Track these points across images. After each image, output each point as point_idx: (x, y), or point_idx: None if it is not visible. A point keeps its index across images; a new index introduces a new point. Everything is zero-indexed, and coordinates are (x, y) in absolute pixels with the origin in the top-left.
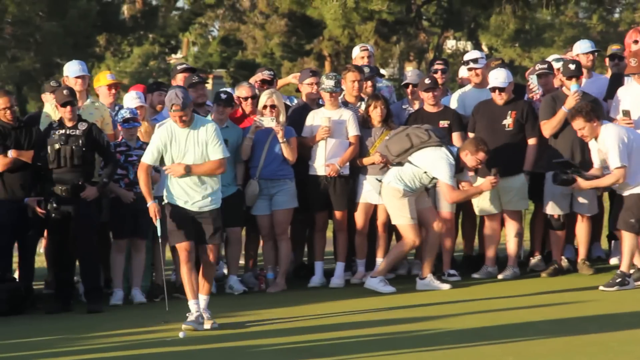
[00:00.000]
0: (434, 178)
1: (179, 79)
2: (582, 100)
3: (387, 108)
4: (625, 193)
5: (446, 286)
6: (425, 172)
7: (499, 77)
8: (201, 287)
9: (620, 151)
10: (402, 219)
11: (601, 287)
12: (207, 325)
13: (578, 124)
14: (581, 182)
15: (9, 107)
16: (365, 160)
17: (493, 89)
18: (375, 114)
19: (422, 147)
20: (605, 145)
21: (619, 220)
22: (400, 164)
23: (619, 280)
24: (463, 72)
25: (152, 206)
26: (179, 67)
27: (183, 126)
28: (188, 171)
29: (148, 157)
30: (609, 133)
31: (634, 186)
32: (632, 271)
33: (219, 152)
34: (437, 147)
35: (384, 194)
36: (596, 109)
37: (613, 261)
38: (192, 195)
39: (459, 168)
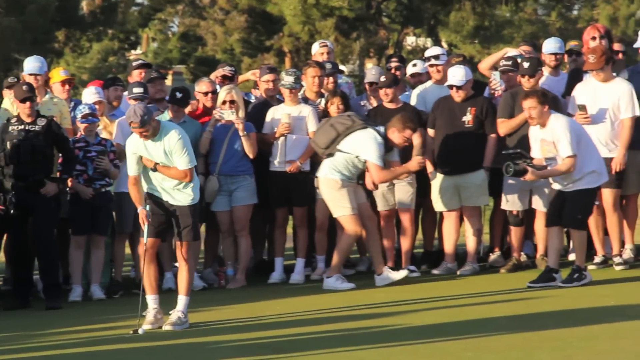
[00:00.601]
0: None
1: (135, 75)
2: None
3: (346, 104)
4: (568, 189)
5: (403, 273)
6: (357, 157)
7: (456, 74)
8: (179, 288)
9: (570, 140)
10: (343, 210)
11: (559, 283)
12: (167, 326)
13: (530, 102)
14: (533, 173)
15: None
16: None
17: (450, 87)
18: (333, 110)
19: (349, 132)
20: (556, 133)
21: (565, 219)
22: (331, 154)
23: (576, 275)
24: (410, 70)
25: (141, 212)
26: (134, 63)
27: (146, 139)
28: (155, 169)
29: (131, 170)
30: (560, 122)
31: (577, 180)
32: (597, 259)
33: (185, 163)
34: (363, 129)
35: (322, 188)
36: (550, 98)
37: (571, 257)
38: (170, 193)
39: (387, 147)
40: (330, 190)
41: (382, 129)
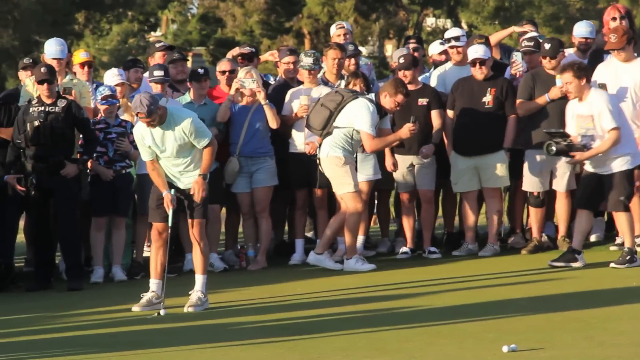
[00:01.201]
0: None
1: (158, 57)
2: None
3: (367, 85)
4: (605, 172)
5: (370, 267)
6: (354, 129)
7: (478, 50)
8: (195, 268)
9: (612, 113)
10: (347, 187)
11: (612, 265)
12: (189, 307)
13: (567, 77)
14: (580, 155)
15: None
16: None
17: (473, 63)
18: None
19: (341, 107)
20: (597, 106)
21: (609, 203)
22: (329, 134)
23: (628, 257)
24: (434, 50)
25: (166, 196)
26: (157, 45)
27: (153, 127)
28: (205, 177)
29: (145, 156)
30: (600, 95)
31: (614, 159)
32: (618, 240)
33: (204, 140)
34: (355, 99)
35: (325, 167)
36: (588, 70)
37: (593, 238)
38: (179, 177)
39: (381, 113)
40: (334, 167)
41: (373, 95)
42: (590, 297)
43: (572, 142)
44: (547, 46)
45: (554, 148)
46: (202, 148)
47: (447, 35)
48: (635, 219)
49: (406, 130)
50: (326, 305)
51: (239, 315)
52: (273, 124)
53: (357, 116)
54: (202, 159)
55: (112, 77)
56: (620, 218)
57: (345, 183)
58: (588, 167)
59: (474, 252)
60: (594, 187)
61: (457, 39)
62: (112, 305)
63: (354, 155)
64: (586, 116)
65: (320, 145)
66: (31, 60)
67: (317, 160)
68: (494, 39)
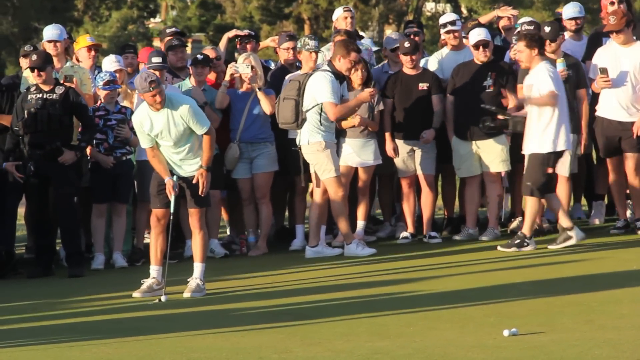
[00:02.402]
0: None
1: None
2: (568, 70)
3: (368, 71)
4: (527, 151)
5: (370, 251)
6: (319, 104)
7: (480, 33)
8: (194, 255)
9: (554, 80)
10: (328, 173)
11: (499, 247)
12: (187, 293)
13: (519, 46)
14: (515, 121)
15: None
16: (345, 124)
17: (477, 46)
18: (356, 77)
19: (302, 90)
20: (539, 76)
21: (522, 185)
22: (304, 121)
23: (517, 241)
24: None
25: (168, 182)
26: (168, 31)
27: (159, 108)
28: (208, 170)
29: (145, 143)
30: (545, 66)
31: (536, 139)
32: (619, 223)
33: (203, 127)
34: (310, 76)
35: (307, 155)
36: (541, 42)
37: (594, 222)
38: (180, 165)
39: (342, 80)
40: (316, 153)
41: (326, 66)
42: (590, 280)
43: (511, 117)
44: (546, 29)
45: (488, 124)
46: (201, 135)
47: (442, 20)
48: (622, 201)
49: (366, 94)
50: (327, 291)
51: (240, 300)
52: (267, 109)
53: (317, 90)
54: (202, 149)
55: (110, 63)
56: (527, 202)
57: (327, 169)
58: (524, 150)
59: (474, 237)
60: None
61: (452, 23)
62: (113, 292)
63: (333, 133)
64: (529, 85)
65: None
66: (32, 47)
67: (298, 149)
68: (481, 21)
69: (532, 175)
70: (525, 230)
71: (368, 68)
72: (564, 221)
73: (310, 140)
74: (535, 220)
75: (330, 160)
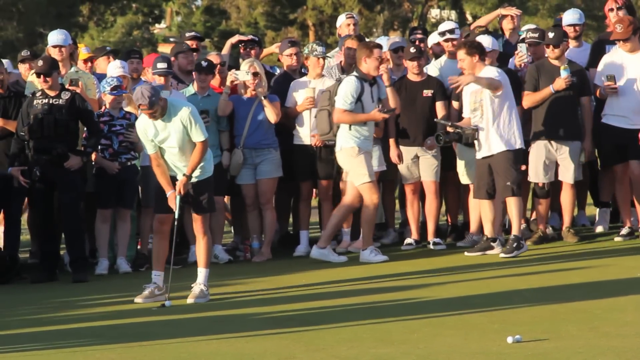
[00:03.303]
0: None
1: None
2: (572, 77)
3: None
4: (491, 152)
5: (383, 258)
6: None
7: (485, 41)
8: (198, 261)
9: (500, 73)
10: (362, 178)
11: (502, 255)
12: (191, 299)
13: (460, 54)
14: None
15: None
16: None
17: None
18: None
19: (333, 99)
20: (488, 75)
21: (498, 190)
22: (339, 128)
23: (515, 245)
24: (432, 40)
25: (171, 196)
26: (187, 35)
27: (155, 119)
28: (189, 178)
29: (149, 149)
30: (492, 69)
31: (498, 139)
32: (623, 231)
33: (200, 135)
34: (339, 83)
35: (341, 161)
36: (480, 48)
37: (598, 229)
38: (182, 169)
39: (370, 82)
40: (349, 158)
41: (355, 72)
42: (595, 288)
43: (463, 133)
44: (550, 35)
45: (442, 139)
46: (196, 142)
47: (441, 28)
48: (627, 208)
49: (379, 116)
50: (331, 297)
51: (244, 306)
52: (272, 117)
53: (337, 95)
54: (191, 157)
55: (114, 69)
56: (509, 203)
57: (360, 174)
58: (477, 154)
59: (478, 243)
60: (486, 175)
61: (451, 31)
62: (117, 297)
63: (369, 137)
64: (477, 90)
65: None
66: (29, 53)
67: (334, 156)
68: (482, 21)
69: (510, 174)
70: (516, 231)
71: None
72: (488, 231)
73: (343, 146)
74: (522, 219)
75: (364, 165)
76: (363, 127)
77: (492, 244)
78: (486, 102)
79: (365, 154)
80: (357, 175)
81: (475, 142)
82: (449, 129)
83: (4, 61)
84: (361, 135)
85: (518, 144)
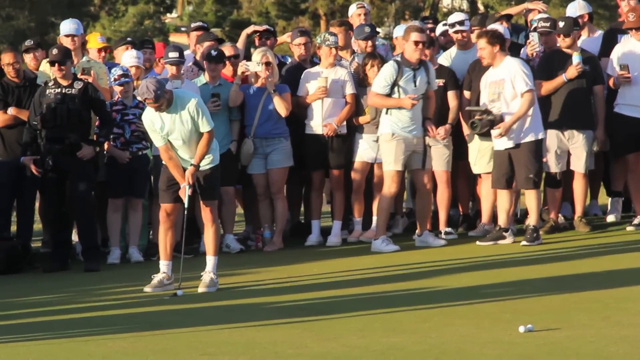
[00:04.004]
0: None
1: (193, 37)
2: (585, 65)
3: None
4: (512, 145)
5: (441, 242)
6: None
7: (499, 29)
8: (207, 249)
9: (526, 75)
10: (387, 165)
11: (523, 243)
12: (202, 288)
13: (481, 43)
14: (504, 124)
15: (13, 63)
16: (362, 119)
17: None
18: (372, 73)
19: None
20: (511, 70)
21: (518, 181)
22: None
23: (535, 235)
24: (438, 30)
25: (182, 189)
26: (193, 25)
27: (161, 112)
28: (197, 168)
29: (158, 142)
30: (514, 60)
31: (521, 131)
32: (636, 220)
33: (207, 125)
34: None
35: (380, 144)
36: (502, 38)
37: (610, 218)
38: (188, 161)
39: (412, 66)
40: (383, 143)
41: (399, 56)
42: (606, 277)
43: (495, 116)
44: (561, 24)
45: (477, 124)
46: (202, 132)
47: (450, 20)
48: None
49: (408, 101)
50: (342, 286)
51: (255, 296)
52: (282, 111)
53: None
54: (198, 147)
55: (129, 58)
56: (529, 195)
57: (388, 161)
58: (496, 145)
59: (490, 233)
60: (505, 165)
61: (461, 23)
62: (128, 286)
63: (409, 123)
64: (498, 81)
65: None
66: (32, 43)
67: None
68: (512, 11)
69: (532, 166)
70: (535, 221)
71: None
72: (503, 221)
73: (381, 131)
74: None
75: (393, 152)
76: (401, 112)
77: (504, 233)
78: (507, 94)
79: (399, 141)
80: (385, 161)
81: (492, 132)
82: (480, 116)
83: (134, 52)
84: (398, 120)
85: (540, 134)
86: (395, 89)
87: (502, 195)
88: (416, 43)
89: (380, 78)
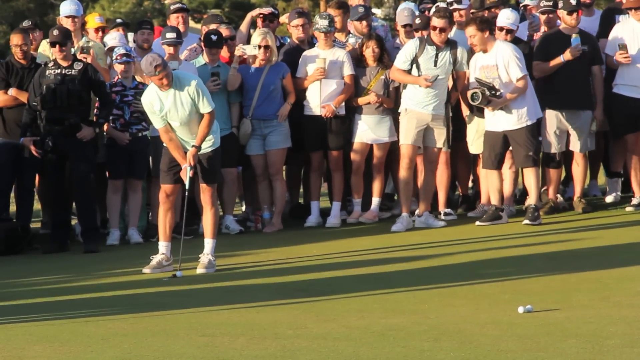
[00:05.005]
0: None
1: (173, 19)
2: (583, 46)
3: (382, 47)
4: (509, 127)
5: (441, 223)
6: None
7: (510, 17)
8: (205, 231)
9: (519, 60)
10: (401, 139)
11: (525, 222)
12: (200, 269)
13: (470, 31)
14: (494, 103)
15: (21, 45)
16: (361, 100)
17: (501, 28)
18: (369, 54)
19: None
20: (505, 57)
21: (516, 160)
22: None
23: (536, 213)
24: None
25: (184, 170)
26: (172, 7)
27: (167, 88)
28: (198, 149)
29: (157, 123)
30: (506, 46)
31: (517, 113)
32: (634, 201)
33: (207, 106)
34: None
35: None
36: (490, 23)
37: (609, 199)
38: (190, 142)
39: (437, 45)
40: (401, 119)
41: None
42: (606, 257)
43: (498, 94)
44: (572, 1)
45: (479, 96)
46: (203, 113)
47: None
48: (638, 179)
49: (422, 81)
50: (341, 267)
51: (254, 277)
52: (292, 98)
53: None
54: (199, 129)
55: (111, 40)
56: (528, 174)
57: (402, 135)
58: (489, 126)
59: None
60: (499, 146)
61: (459, 1)
62: (128, 268)
63: (427, 99)
64: (491, 66)
65: None
66: (30, 23)
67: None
68: None
69: (531, 144)
70: (535, 200)
71: (383, 44)
72: (496, 201)
73: (401, 107)
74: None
75: (405, 127)
76: (416, 88)
77: (500, 213)
78: (503, 77)
79: (410, 116)
80: (400, 136)
81: (486, 111)
82: (482, 89)
83: (116, 34)
84: (413, 96)
85: (537, 114)
86: (414, 65)
87: (493, 175)
88: (434, 28)
89: (401, 53)
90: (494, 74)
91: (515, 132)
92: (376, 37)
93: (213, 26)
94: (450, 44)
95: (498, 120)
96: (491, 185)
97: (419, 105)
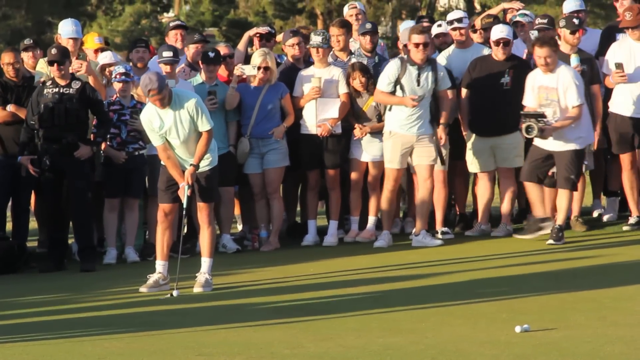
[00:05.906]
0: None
1: (171, 36)
2: (582, 65)
3: (368, 74)
4: (558, 148)
5: (438, 242)
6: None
7: (504, 30)
8: (202, 250)
9: (579, 88)
10: (386, 162)
11: (549, 242)
12: (197, 288)
13: (546, 51)
14: (548, 131)
15: (13, 63)
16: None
17: (497, 42)
18: (357, 84)
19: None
20: (565, 81)
21: (558, 179)
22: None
23: (560, 234)
24: (435, 30)
25: (182, 188)
26: (171, 24)
27: (163, 107)
28: (197, 168)
29: (156, 141)
30: (568, 70)
31: (570, 136)
32: (632, 220)
33: (206, 124)
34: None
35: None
36: (558, 44)
37: (606, 217)
38: (188, 161)
39: (417, 65)
40: (384, 141)
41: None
42: (603, 277)
43: (548, 122)
44: (561, 24)
45: (534, 128)
46: (202, 132)
47: (449, 17)
48: (634, 197)
49: (409, 101)
50: (339, 286)
51: (251, 296)
52: (291, 120)
53: None
54: (197, 147)
55: (103, 59)
56: (562, 195)
57: (386, 159)
58: (537, 142)
59: (486, 233)
60: (541, 161)
61: (459, 20)
62: (124, 287)
63: (409, 120)
64: (552, 88)
65: None
66: (31, 41)
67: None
68: (492, 11)
69: (575, 168)
70: (562, 221)
71: (369, 71)
72: (540, 212)
73: (384, 129)
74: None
75: (389, 150)
76: (400, 109)
77: (540, 224)
78: (561, 102)
79: (395, 139)
80: (385, 159)
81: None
82: (535, 120)
83: (108, 53)
84: (396, 118)
85: (587, 140)
86: (398, 87)
87: (533, 187)
88: (416, 45)
89: (384, 75)
90: (553, 96)
91: (561, 153)
92: (359, 66)
93: (192, 46)
94: (431, 63)
95: (551, 141)
96: (532, 197)
97: (403, 128)
